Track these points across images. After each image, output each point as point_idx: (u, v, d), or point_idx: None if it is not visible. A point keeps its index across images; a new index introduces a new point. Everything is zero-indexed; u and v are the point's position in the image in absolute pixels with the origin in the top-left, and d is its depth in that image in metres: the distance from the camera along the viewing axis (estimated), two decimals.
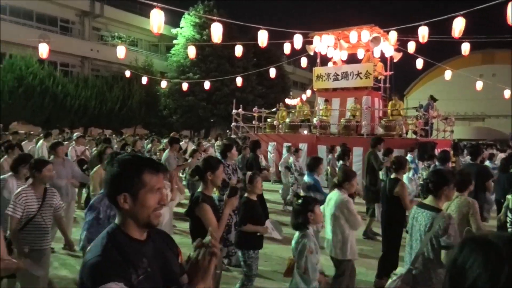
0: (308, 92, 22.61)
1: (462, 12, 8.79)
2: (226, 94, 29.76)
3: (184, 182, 9.27)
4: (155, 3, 8.65)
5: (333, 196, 4.27)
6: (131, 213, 1.55)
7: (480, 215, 3.92)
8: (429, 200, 3.22)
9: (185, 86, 22.70)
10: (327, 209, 4.28)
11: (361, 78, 15.56)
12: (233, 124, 16.72)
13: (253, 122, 17.34)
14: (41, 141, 11.70)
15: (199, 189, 3.50)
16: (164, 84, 23.69)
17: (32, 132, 16.20)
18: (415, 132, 14.53)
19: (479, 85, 19.01)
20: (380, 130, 14.26)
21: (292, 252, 3.51)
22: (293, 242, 3.49)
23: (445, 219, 2.98)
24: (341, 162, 7.71)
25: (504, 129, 41.57)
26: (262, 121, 17.31)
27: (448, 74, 18.11)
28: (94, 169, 5.48)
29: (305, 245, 3.28)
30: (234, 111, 16.61)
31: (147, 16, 9.29)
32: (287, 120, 16.58)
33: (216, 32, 10.22)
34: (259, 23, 11.23)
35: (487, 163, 9.77)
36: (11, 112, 21.88)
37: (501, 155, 14.31)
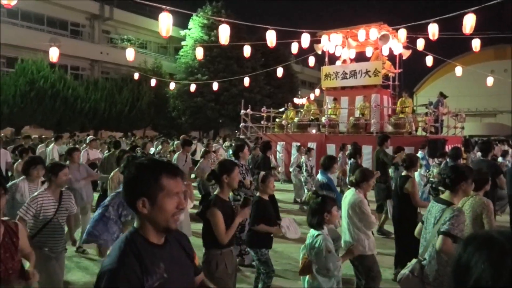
0: (317, 91, 22.59)
1: (472, 9, 8.71)
2: (234, 94, 29.83)
3: (194, 183, 9.31)
4: (164, 6, 8.71)
5: (349, 194, 4.29)
6: (149, 218, 1.55)
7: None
8: (445, 195, 3.24)
9: (193, 87, 22.80)
10: (343, 207, 4.32)
11: (369, 76, 15.48)
12: (242, 124, 16.75)
13: (262, 122, 17.35)
14: (52, 144, 11.86)
15: (215, 192, 3.53)
16: (172, 85, 23.83)
17: (44, 136, 16.42)
18: (424, 129, 14.43)
19: (490, 80, 18.82)
20: (389, 128, 14.19)
21: (305, 250, 3.51)
22: (307, 241, 3.49)
23: (453, 211, 2.99)
24: (352, 160, 7.68)
25: None
26: (271, 121, 17.31)
27: (459, 71, 17.91)
28: (112, 173, 5.54)
29: (321, 245, 3.29)
30: (242, 111, 16.63)
31: (156, 18, 9.36)
32: (296, 119, 16.57)
33: (224, 33, 10.24)
34: (267, 23, 11.26)
35: (500, 159, 9.67)
36: (23, 116, 22.21)
37: None
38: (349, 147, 9.99)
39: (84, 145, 10.97)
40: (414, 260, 3.26)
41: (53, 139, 13.22)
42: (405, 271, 3.21)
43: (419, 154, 9.76)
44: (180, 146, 8.92)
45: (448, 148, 12.35)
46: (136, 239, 1.54)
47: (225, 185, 3.45)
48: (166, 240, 1.62)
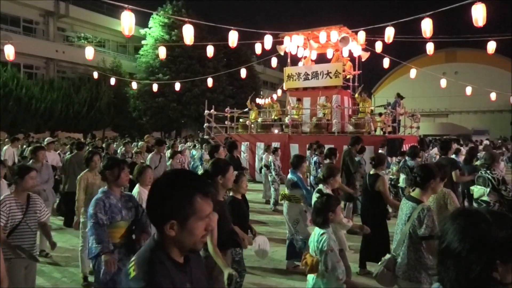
0: (279, 91, 22.86)
1: (428, 13, 9.15)
2: (196, 94, 29.65)
3: None
4: (125, 5, 8.55)
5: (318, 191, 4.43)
6: (176, 240, 1.41)
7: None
8: (415, 193, 3.38)
9: (155, 87, 22.47)
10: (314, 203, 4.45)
11: (331, 78, 15.89)
12: (206, 124, 16.69)
13: (226, 122, 17.38)
14: (6, 146, 11.35)
15: None
16: (134, 85, 23.36)
17: None
18: (382, 129, 14.97)
19: (443, 82, 19.76)
20: (350, 128, 14.62)
21: (311, 248, 3.56)
22: (313, 239, 3.54)
23: (423, 210, 3.15)
24: (327, 161, 7.76)
25: (467, 124, 43.38)
26: (234, 121, 17.37)
27: (413, 73, 18.72)
28: (81, 174, 5.36)
29: (325, 243, 3.37)
30: (206, 111, 16.58)
31: (114, 16, 9.22)
32: (259, 119, 16.72)
33: (188, 33, 10.11)
34: (229, 23, 11.28)
35: (453, 157, 10.17)
36: None
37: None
38: (315, 146, 10.26)
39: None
40: (387, 256, 3.38)
41: (6, 140, 12.71)
42: (380, 266, 3.33)
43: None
44: (155, 146, 8.66)
45: (405, 147, 12.90)
46: (161, 256, 1.40)
47: (219, 186, 3.41)
48: (186, 257, 1.50)
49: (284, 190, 5.87)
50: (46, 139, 10.76)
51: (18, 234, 3.61)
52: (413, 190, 3.48)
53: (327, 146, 13.32)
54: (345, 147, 9.03)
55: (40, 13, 30.84)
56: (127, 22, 8.66)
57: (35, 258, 3.67)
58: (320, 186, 4.55)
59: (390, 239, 5.46)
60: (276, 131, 16.22)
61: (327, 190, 4.39)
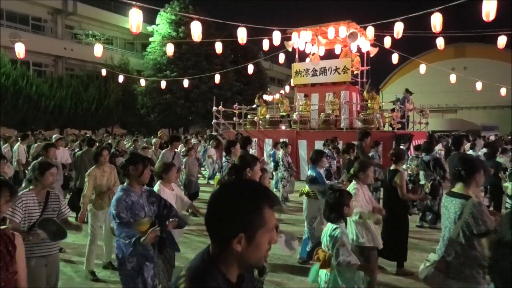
0: (286, 87, 22.82)
1: (438, 8, 9.06)
2: (204, 91, 29.68)
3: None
4: (133, 2, 8.57)
5: (350, 187, 4.40)
6: (240, 256, 1.29)
7: None
8: (458, 188, 3.27)
9: (163, 84, 22.55)
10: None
11: (339, 73, 15.83)
12: (214, 121, 16.72)
13: (234, 118, 17.39)
14: (17, 144, 11.43)
15: None
16: (142, 82, 23.45)
17: (7, 135, 15.82)
18: (391, 125, 14.90)
19: (453, 78, 19.58)
20: (358, 124, 14.57)
21: (323, 243, 3.57)
22: (326, 234, 3.54)
23: (475, 206, 3.05)
24: (345, 156, 7.68)
25: (476, 120, 42.96)
26: (242, 118, 17.39)
27: (422, 68, 18.58)
28: (89, 171, 5.41)
29: (338, 237, 3.36)
30: (214, 108, 16.61)
31: (122, 14, 9.24)
32: (267, 116, 16.72)
33: (196, 30, 10.12)
34: (236, 19, 11.35)
35: (470, 152, 10.12)
36: None
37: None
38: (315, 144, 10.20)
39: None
40: (433, 256, 3.28)
41: (18, 138, 12.78)
42: (428, 268, 3.22)
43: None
44: (169, 143, 8.58)
45: (414, 143, 12.84)
46: (216, 276, 1.30)
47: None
48: (240, 276, 1.39)
49: (304, 186, 5.82)
50: (54, 136, 10.82)
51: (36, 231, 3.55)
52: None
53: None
54: (356, 143, 8.98)
55: (49, 11, 31.03)
56: (135, 19, 8.69)
57: (62, 232, 3.52)
58: (353, 182, 4.49)
59: (407, 236, 5.49)
60: (283, 127, 16.21)
61: (358, 186, 4.36)
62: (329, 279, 3.45)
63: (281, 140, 13.99)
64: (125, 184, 3.68)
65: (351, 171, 4.61)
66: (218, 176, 5.79)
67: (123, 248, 3.48)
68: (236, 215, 1.27)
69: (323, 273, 3.52)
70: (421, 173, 8.09)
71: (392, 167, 5.54)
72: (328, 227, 3.56)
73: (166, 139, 10.42)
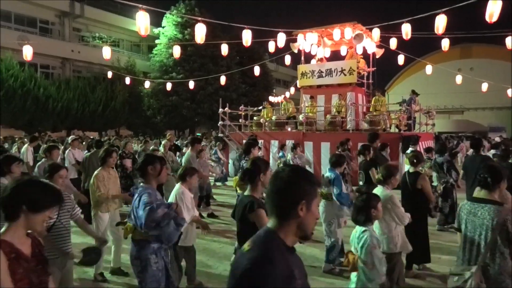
0: (292, 89, 22.85)
1: (443, 9, 9.07)
2: (210, 93, 29.79)
3: None
4: (140, 5, 8.67)
5: (377, 192, 4.31)
6: (301, 222, 1.59)
7: None
8: (484, 194, 3.25)
9: (168, 86, 22.65)
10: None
11: (345, 75, 15.84)
12: (220, 123, 16.78)
13: (240, 120, 17.44)
14: (25, 145, 11.54)
15: (247, 192, 3.44)
16: (147, 84, 23.60)
17: (16, 137, 15.99)
18: (397, 126, 14.88)
19: (459, 79, 19.51)
20: (365, 125, 14.56)
21: (352, 246, 3.59)
22: (354, 236, 3.56)
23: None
24: (361, 157, 7.51)
25: (482, 121, 42.73)
26: (248, 119, 17.43)
27: (429, 69, 18.53)
28: (96, 172, 5.44)
29: (368, 241, 3.37)
30: (220, 109, 16.67)
31: (128, 16, 9.32)
32: (273, 117, 16.75)
33: (200, 32, 10.18)
34: (242, 21, 11.36)
35: (491, 152, 10.02)
36: None
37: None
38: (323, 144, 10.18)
39: (62, 146, 10.70)
40: (473, 268, 3.13)
41: (24, 139, 12.94)
42: (467, 282, 3.07)
43: (410, 150, 10.00)
44: (190, 144, 8.87)
45: (420, 144, 12.82)
46: (278, 240, 1.56)
47: (259, 184, 3.43)
48: (292, 248, 1.64)
49: (322, 188, 5.74)
50: (70, 137, 10.90)
51: (54, 233, 3.62)
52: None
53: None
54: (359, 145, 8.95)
55: (56, 13, 31.34)
56: (142, 22, 8.79)
57: (68, 255, 3.68)
58: (379, 187, 4.44)
59: (427, 238, 5.51)
60: (289, 129, 16.24)
61: (388, 191, 4.32)
62: (356, 280, 3.48)
63: (287, 142, 14.05)
64: (141, 184, 3.73)
65: (379, 176, 4.56)
66: (236, 177, 5.80)
67: (150, 250, 3.52)
68: (300, 184, 1.60)
69: (353, 276, 3.55)
70: (434, 174, 8.01)
71: (411, 170, 5.48)
72: (357, 230, 3.57)
73: (173, 141, 10.47)
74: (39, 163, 7.05)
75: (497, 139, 21.89)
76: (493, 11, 7.89)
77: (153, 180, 3.69)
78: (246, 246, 1.56)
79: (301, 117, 15.39)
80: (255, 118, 17.41)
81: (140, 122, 31.87)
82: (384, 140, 12.21)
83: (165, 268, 3.65)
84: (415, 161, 5.51)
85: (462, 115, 46.67)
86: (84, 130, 27.89)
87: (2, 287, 1.76)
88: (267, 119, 16.59)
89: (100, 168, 5.53)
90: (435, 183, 7.91)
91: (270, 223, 1.63)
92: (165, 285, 3.59)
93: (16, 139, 13.62)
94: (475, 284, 3.00)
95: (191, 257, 5.05)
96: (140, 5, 8.69)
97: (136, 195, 3.60)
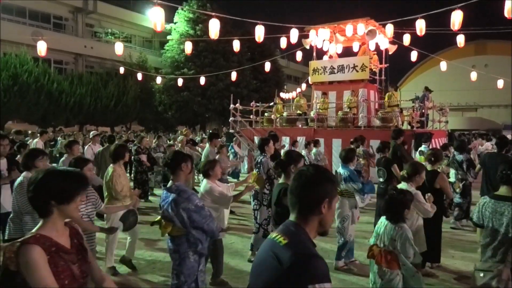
0: (303, 85, 22.75)
1: (459, 5, 8.94)
2: (220, 89, 29.82)
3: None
4: (154, 0, 8.67)
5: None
6: (322, 218, 1.68)
7: None
8: (504, 191, 3.24)
9: (180, 81, 22.73)
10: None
11: (357, 71, 15.73)
12: (231, 118, 16.80)
13: (251, 116, 17.43)
14: (36, 139, 11.68)
15: (282, 180, 3.78)
16: (159, 80, 23.68)
17: (31, 131, 16.17)
18: (410, 123, 14.74)
19: (474, 75, 19.23)
20: (377, 122, 14.46)
21: (380, 240, 3.60)
22: (383, 231, 3.57)
23: None
24: (380, 154, 7.42)
25: (496, 118, 42.10)
26: (260, 115, 17.42)
27: (443, 65, 18.28)
28: (112, 168, 5.42)
29: (405, 235, 3.42)
30: (231, 106, 16.68)
31: (140, 12, 9.28)
32: (285, 114, 16.70)
33: (214, 28, 10.14)
34: (253, 17, 11.29)
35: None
36: (6, 111, 21.81)
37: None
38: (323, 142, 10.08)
39: (81, 141, 10.78)
40: (484, 264, 3.20)
41: (32, 133, 13.08)
42: (493, 279, 3.08)
43: (423, 147, 9.90)
44: (208, 140, 8.84)
45: (434, 141, 12.68)
46: (304, 234, 1.66)
47: (291, 173, 3.69)
48: None
49: None
50: (92, 132, 10.98)
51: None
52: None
53: (351, 141, 13.43)
54: (376, 142, 8.87)
55: (69, 9, 31.64)
56: (157, 17, 8.78)
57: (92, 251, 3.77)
58: (403, 184, 4.40)
59: (440, 237, 5.47)
60: (300, 125, 16.19)
61: (412, 188, 4.28)
62: (388, 278, 3.48)
63: (298, 138, 14.01)
64: (175, 182, 3.69)
65: (403, 172, 4.51)
66: (255, 172, 5.81)
67: (188, 244, 3.57)
68: (325, 183, 1.69)
69: (375, 269, 3.56)
70: (452, 171, 7.87)
71: (429, 168, 5.35)
72: (386, 225, 3.57)
73: (189, 137, 10.47)
74: (63, 158, 6.86)
75: (510, 136, 21.53)
76: (510, 7, 7.76)
77: (184, 177, 3.69)
78: (281, 238, 1.61)
79: (312, 114, 15.32)
80: (266, 114, 17.39)
81: (151, 118, 32.06)
82: None
83: (201, 263, 3.70)
84: (433, 159, 5.41)
85: (476, 113, 46.01)
86: (97, 125, 28.16)
87: (45, 286, 1.75)
88: (278, 115, 16.55)
89: (115, 163, 5.50)
90: (452, 179, 7.82)
91: (292, 217, 1.70)
92: (200, 278, 3.66)
93: (29, 133, 13.76)
94: (504, 283, 3.00)
95: (219, 251, 4.97)
96: (154, 0, 8.70)
97: (170, 193, 3.58)
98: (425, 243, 4.39)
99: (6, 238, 3.98)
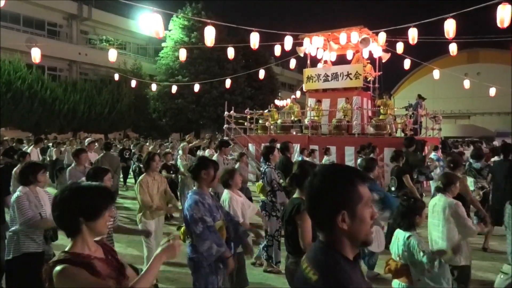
0: (297, 93, 22.82)
1: (452, 14, 9.04)
2: (215, 96, 29.84)
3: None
4: (151, 7, 8.68)
5: (438, 201, 4.10)
6: (349, 233, 1.35)
7: None
8: None
9: (174, 89, 22.72)
10: (431, 215, 4.13)
11: (351, 79, 15.82)
12: (226, 126, 16.79)
13: (245, 123, 17.44)
14: (31, 147, 11.60)
15: (296, 195, 3.38)
16: (153, 87, 23.65)
17: (25, 139, 16.07)
18: (403, 131, 14.79)
19: (466, 83, 19.40)
20: (370, 130, 14.51)
21: (394, 253, 3.53)
22: (397, 243, 3.50)
23: None
24: (394, 163, 7.34)
25: (489, 126, 42.45)
26: (254, 122, 17.43)
27: (436, 74, 18.45)
28: (140, 178, 5.28)
29: (415, 246, 3.33)
30: (226, 113, 16.67)
31: (135, 19, 9.27)
32: (279, 121, 16.73)
33: (209, 35, 10.19)
34: (248, 24, 11.32)
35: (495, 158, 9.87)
36: None
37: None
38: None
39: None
40: (507, 267, 3.21)
41: (26, 139, 12.99)
42: (507, 280, 3.12)
43: (433, 155, 9.86)
44: (218, 148, 8.16)
45: (426, 149, 12.72)
46: (338, 258, 1.36)
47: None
48: (355, 256, 1.43)
49: None
50: (87, 140, 10.86)
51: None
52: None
53: (347, 148, 13.48)
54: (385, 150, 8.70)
55: (64, 16, 31.63)
56: (158, 24, 8.75)
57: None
58: (440, 195, 4.17)
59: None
60: (295, 132, 16.21)
61: (451, 199, 4.08)
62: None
63: (294, 145, 13.98)
64: (195, 188, 3.70)
65: (438, 183, 4.32)
66: (260, 183, 5.72)
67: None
68: (335, 192, 1.35)
69: (396, 283, 3.48)
70: (469, 180, 7.67)
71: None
72: (399, 236, 3.50)
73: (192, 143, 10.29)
74: (70, 168, 6.48)
75: (495, 143, 21.66)
76: (503, 16, 7.87)
77: (205, 185, 3.63)
78: (311, 273, 1.35)
79: (306, 121, 15.36)
80: (260, 121, 17.40)
81: (145, 125, 31.99)
82: (390, 145, 12.23)
83: (217, 271, 3.53)
84: (452, 165, 5.14)
85: (469, 120, 46.39)
86: (90, 132, 28.03)
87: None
88: (273, 122, 16.57)
89: (144, 174, 5.40)
90: (471, 188, 7.71)
91: (320, 234, 1.43)
92: (216, 286, 3.53)
93: (24, 141, 13.66)
94: None
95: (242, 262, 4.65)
96: (152, 8, 8.69)
97: (188, 199, 3.58)
98: (469, 258, 4.12)
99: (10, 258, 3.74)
